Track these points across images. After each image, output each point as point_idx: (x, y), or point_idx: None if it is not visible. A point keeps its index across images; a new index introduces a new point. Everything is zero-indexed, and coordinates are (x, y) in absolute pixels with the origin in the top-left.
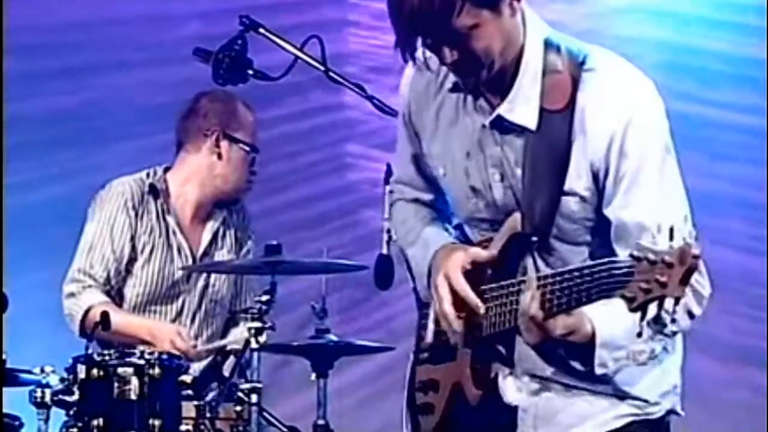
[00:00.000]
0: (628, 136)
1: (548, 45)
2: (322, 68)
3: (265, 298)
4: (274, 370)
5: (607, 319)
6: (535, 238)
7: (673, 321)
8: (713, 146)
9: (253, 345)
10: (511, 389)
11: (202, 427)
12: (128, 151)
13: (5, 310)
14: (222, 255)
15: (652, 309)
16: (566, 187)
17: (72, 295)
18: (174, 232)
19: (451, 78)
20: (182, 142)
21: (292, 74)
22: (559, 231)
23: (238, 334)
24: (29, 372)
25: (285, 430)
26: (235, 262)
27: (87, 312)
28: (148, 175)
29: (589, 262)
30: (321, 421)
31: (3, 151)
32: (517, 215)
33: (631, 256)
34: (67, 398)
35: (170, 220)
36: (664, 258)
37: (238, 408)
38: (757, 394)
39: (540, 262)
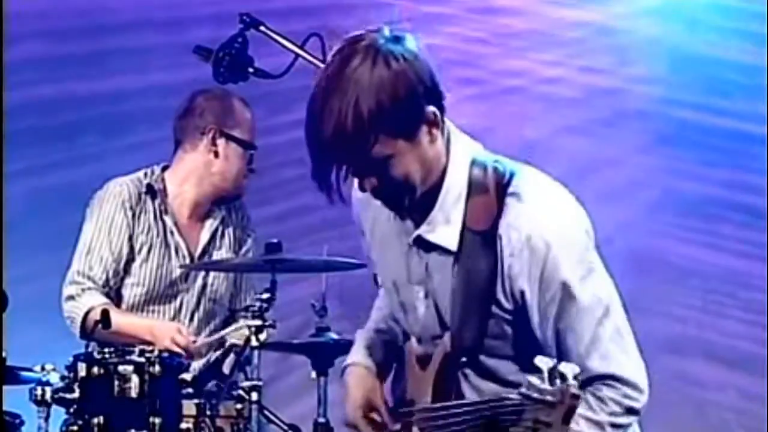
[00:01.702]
0: (548, 266)
1: (475, 164)
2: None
3: (265, 296)
4: (275, 368)
5: None
6: (464, 359)
7: None
8: (706, 151)
9: (254, 343)
10: None
11: (202, 425)
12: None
13: (5, 308)
14: (221, 254)
15: None
16: (493, 309)
17: (71, 297)
18: (171, 232)
19: None
20: (180, 141)
21: (303, 78)
22: (485, 348)
23: (237, 327)
24: (30, 370)
25: (285, 428)
26: (235, 260)
27: (87, 314)
28: (145, 174)
29: (477, 399)
30: (321, 419)
31: (3, 149)
32: (447, 337)
33: (520, 394)
34: (68, 396)
35: (167, 219)
36: (546, 398)
37: (239, 406)
38: (750, 397)
39: (474, 379)
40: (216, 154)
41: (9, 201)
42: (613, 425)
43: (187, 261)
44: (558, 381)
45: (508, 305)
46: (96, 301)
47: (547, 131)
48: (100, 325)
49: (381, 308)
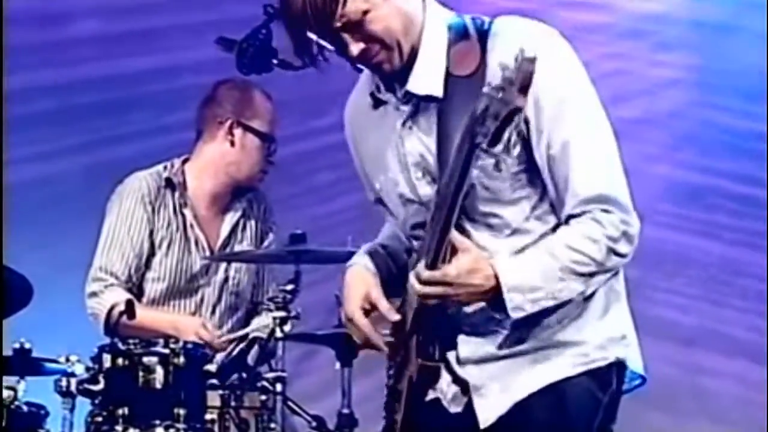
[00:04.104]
0: (540, 87)
1: (453, 25)
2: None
3: (289, 287)
4: (299, 360)
5: (514, 265)
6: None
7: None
8: (702, 142)
9: (278, 334)
10: (471, 369)
11: (226, 416)
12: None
13: (30, 299)
14: (242, 247)
15: (512, 136)
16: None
17: (94, 294)
18: (191, 225)
19: (370, 91)
20: (200, 131)
21: (336, 83)
22: (490, 192)
23: (261, 322)
24: (54, 361)
25: (309, 419)
26: (259, 252)
27: (110, 310)
28: (165, 168)
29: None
30: (346, 410)
31: (3, 146)
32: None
33: (483, 93)
34: (93, 387)
35: (187, 213)
36: (504, 75)
37: (263, 397)
38: (748, 384)
39: (483, 231)
40: (232, 144)
41: (66, 176)
42: (610, 249)
43: (208, 254)
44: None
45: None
46: (119, 297)
47: None
48: (125, 316)
49: (388, 227)
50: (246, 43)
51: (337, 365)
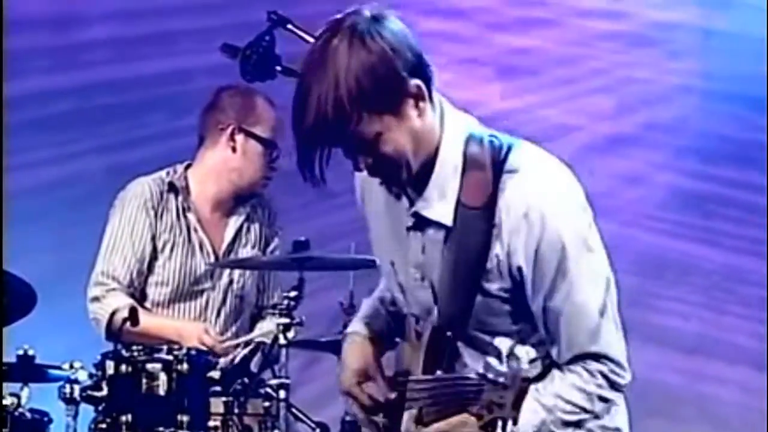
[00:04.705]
0: (543, 243)
1: (471, 139)
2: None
3: (293, 294)
4: (303, 366)
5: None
6: (449, 333)
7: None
8: (705, 149)
9: (282, 341)
10: None
11: (230, 422)
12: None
13: (34, 305)
14: (246, 251)
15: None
16: (485, 286)
17: (96, 299)
18: (195, 229)
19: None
20: (202, 137)
21: None
22: (481, 325)
23: (265, 328)
24: (58, 368)
25: (313, 426)
26: (262, 259)
27: (112, 315)
28: (168, 173)
29: (442, 375)
30: (349, 417)
31: (3, 144)
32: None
33: (478, 374)
34: (96, 394)
35: (190, 217)
36: (499, 380)
37: (266, 404)
38: (750, 391)
39: (471, 353)
40: (234, 150)
41: (87, 176)
42: (600, 397)
43: (211, 258)
44: (514, 363)
45: (505, 283)
46: (121, 302)
47: None
48: (128, 323)
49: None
50: (249, 50)
51: None
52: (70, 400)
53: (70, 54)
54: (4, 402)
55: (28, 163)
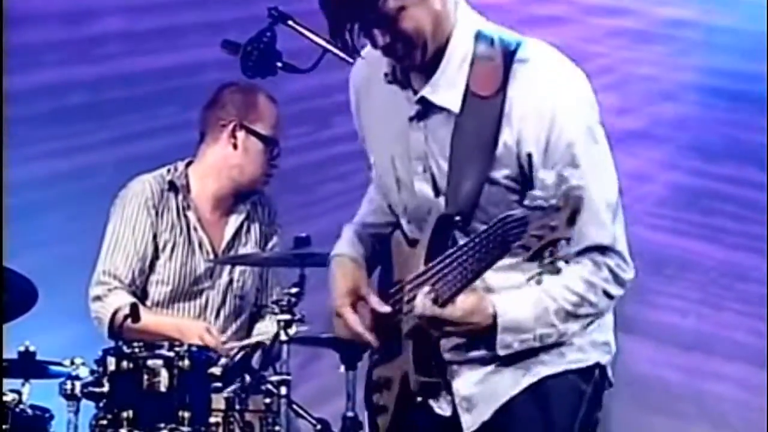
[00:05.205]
0: (555, 130)
1: (480, 36)
2: (352, 61)
3: (294, 290)
4: (304, 363)
5: (512, 305)
6: (458, 218)
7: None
8: (705, 146)
9: (283, 337)
10: (459, 381)
11: (231, 419)
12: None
13: (35, 302)
14: (246, 249)
15: (546, 255)
16: (492, 174)
17: (98, 298)
18: (195, 228)
19: (385, 69)
20: (203, 134)
21: (343, 95)
22: (484, 215)
23: (265, 329)
24: (59, 364)
25: (314, 422)
26: (263, 255)
27: (114, 314)
28: (168, 171)
29: (483, 227)
30: (350, 413)
31: (3, 145)
32: (441, 200)
33: (524, 206)
34: (97, 390)
35: (191, 215)
36: (551, 203)
37: (268, 400)
38: (749, 388)
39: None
40: (235, 147)
41: (102, 168)
42: (605, 291)
43: (212, 257)
44: (563, 185)
45: (512, 171)
46: (122, 301)
47: None
48: (129, 320)
49: (372, 200)
50: (250, 46)
51: (342, 368)
52: (71, 397)
53: (81, 48)
54: (5, 398)
55: (38, 155)
